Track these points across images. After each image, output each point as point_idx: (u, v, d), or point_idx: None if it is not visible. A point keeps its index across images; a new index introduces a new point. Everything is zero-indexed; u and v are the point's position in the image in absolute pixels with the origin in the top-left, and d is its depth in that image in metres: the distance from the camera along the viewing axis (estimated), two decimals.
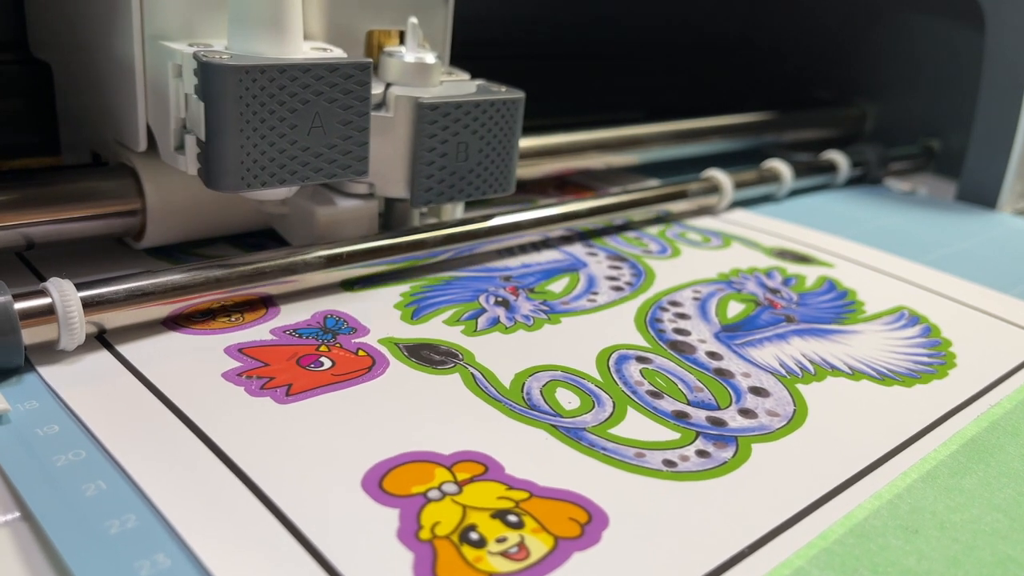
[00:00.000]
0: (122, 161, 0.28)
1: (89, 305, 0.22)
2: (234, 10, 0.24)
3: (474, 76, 0.31)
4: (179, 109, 0.25)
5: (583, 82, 0.55)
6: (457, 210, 0.32)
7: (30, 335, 0.21)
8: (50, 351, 0.22)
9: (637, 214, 0.36)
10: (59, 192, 0.26)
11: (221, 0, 0.26)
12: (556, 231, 0.33)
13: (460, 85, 0.29)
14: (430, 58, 0.28)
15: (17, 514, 0.17)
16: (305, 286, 0.27)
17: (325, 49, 0.26)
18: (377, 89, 0.27)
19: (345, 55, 0.26)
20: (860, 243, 0.38)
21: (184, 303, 0.24)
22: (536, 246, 0.33)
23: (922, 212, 0.44)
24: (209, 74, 0.23)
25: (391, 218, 0.31)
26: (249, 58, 0.23)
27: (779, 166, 0.43)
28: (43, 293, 0.22)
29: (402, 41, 0.29)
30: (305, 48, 0.26)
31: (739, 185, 0.40)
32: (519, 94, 0.29)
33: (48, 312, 0.21)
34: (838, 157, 0.47)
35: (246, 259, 0.25)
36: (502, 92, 0.29)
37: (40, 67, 0.31)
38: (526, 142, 0.38)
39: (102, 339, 0.23)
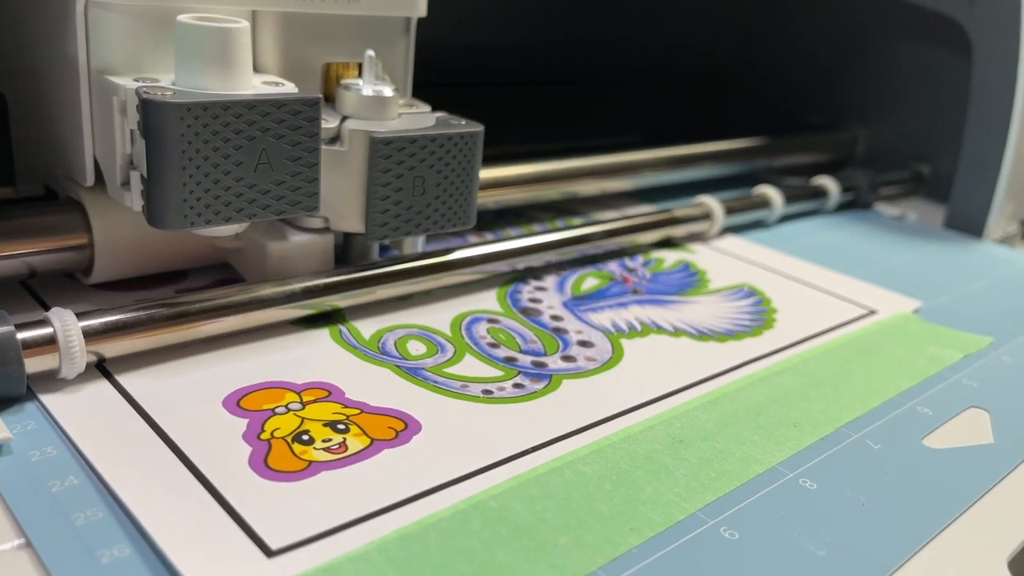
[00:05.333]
0: (70, 195, 0.28)
1: (90, 335, 0.23)
2: (179, 45, 0.24)
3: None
4: (125, 145, 0.24)
5: (576, 108, 0.55)
6: (418, 243, 0.32)
7: (32, 364, 0.22)
8: (51, 379, 0.23)
9: (628, 241, 0.37)
10: (4, 226, 0.26)
11: (169, 34, 0.25)
12: (540, 260, 0.34)
13: (419, 118, 0.29)
14: (388, 91, 0.28)
15: (22, 540, 0.18)
16: (316, 310, 0.28)
17: (277, 83, 0.26)
18: (333, 123, 0.27)
19: (296, 90, 0.26)
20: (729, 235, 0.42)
21: (182, 332, 0.25)
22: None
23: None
24: (150, 111, 0.22)
25: (350, 252, 0.31)
26: (192, 94, 0.23)
27: (770, 192, 0.44)
28: (45, 323, 0.23)
29: (361, 74, 0.29)
30: (255, 82, 0.25)
31: (730, 211, 0.41)
32: (478, 128, 0.29)
33: (50, 342, 0.22)
34: (829, 182, 0.48)
35: (241, 288, 0.26)
36: (460, 126, 0.29)
37: None
38: (519, 169, 0.39)
39: (101, 367, 0.24)
